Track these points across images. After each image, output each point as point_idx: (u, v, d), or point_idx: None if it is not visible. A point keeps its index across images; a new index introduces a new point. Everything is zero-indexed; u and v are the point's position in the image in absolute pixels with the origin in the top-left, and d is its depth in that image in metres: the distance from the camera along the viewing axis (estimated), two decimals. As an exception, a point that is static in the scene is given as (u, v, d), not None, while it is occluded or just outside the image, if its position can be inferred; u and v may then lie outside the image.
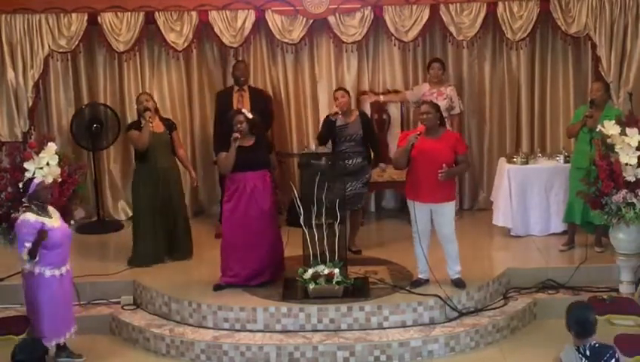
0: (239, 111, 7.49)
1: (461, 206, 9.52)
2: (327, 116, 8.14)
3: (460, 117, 9.14)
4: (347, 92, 8.19)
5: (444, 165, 7.05)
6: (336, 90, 8.24)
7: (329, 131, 8.08)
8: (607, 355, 5.01)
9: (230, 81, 9.16)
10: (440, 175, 7.03)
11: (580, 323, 5.05)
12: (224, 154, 7.41)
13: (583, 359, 5.01)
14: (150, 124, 7.90)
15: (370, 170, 8.34)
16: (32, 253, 6.38)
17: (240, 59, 9.20)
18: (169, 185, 8.09)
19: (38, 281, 6.52)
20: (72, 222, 6.93)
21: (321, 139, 8.25)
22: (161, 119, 8.20)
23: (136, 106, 8.28)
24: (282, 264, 7.70)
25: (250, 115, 7.42)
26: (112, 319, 7.54)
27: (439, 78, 8.90)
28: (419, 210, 7.22)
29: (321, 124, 8.39)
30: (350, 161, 7.92)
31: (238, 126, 7.32)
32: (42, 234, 6.34)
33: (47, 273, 6.52)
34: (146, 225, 8.08)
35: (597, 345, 5.04)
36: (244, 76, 8.85)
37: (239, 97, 8.78)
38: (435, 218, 7.26)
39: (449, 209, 7.29)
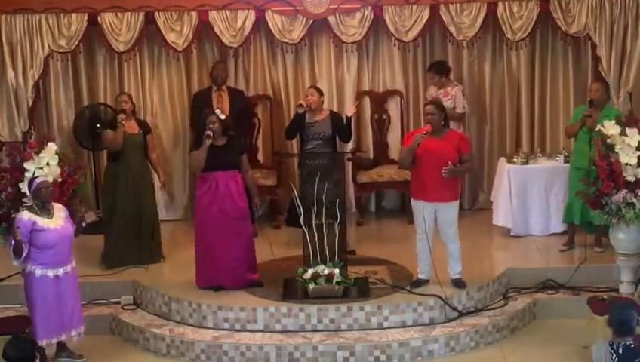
0: (212, 112, 7.51)
1: (461, 206, 9.38)
2: (296, 110, 8.19)
3: (462, 116, 9.12)
4: (319, 90, 8.21)
5: (449, 162, 7.08)
6: (308, 88, 8.30)
7: (296, 126, 8.12)
8: None
9: (231, 81, 9.18)
10: (444, 172, 7.05)
11: (623, 322, 5.06)
12: (195, 153, 7.42)
13: (614, 355, 5.00)
14: (123, 126, 7.96)
15: (340, 169, 8.25)
16: (15, 251, 6.40)
17: (219, 59, 9.21)
18: (139, 187, 8.09)
19: (30, 280, 6.56)
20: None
21: (287, 133, 8.30)
22: (137, 121, 8.25)
23: (115, 106, 8.35)
24: (255, 268, 7.61)
25: (223, 116, 7.44)
26: (112, 319, 7.54)
27: (437, 82, 8.91)
28: (424, 210, 7.22)
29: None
30: (316, 161, 7.78)
31: (211, 126, 7.34)
32: (13, 232, 6.36)
33: (38, 272, 6.53)
34: (115, 225, 8.10)
35: (632, 345, 5.03)
36: (222, 76, 8.91)
37: (218, 97, 8.84)
38: (439, 217, 7.28)
39: (453, 209, 7.30)
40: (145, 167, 8.20)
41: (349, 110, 8.33)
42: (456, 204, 7.36)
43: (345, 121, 8.17)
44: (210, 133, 7.31)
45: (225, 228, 7.35)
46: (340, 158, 7.90)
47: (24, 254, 6.44)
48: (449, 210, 7.27)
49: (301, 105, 8.08)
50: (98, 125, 9.06)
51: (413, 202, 7.35)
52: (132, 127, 8.11)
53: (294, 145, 9.50)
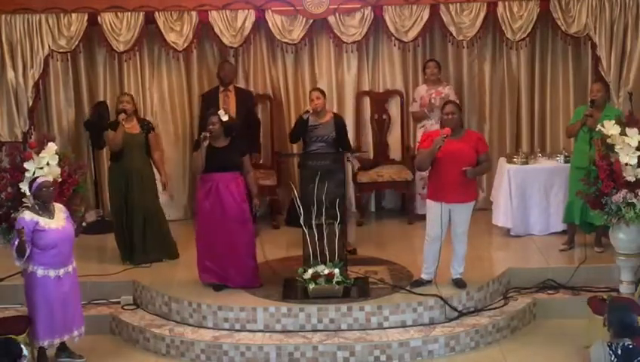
0: (215, 112, 7.49)
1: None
2: (300, 115, 8.17)
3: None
4: (323, 93, 8.20)
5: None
6: (312, 90, 8.28)
7: (300, 130, 8.11)
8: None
9: (231, 82, 9.20)
10: (467, 173, 7.05)
11: (627, 326, 5.05)
12: (195, 154, 7.44)
13: (613, 356, 4.99)
14: (123, 126, 8.00)
15: (344, 170, 8.23)
16: (19, 251, 6.40)
17: (226, 59, 9.21)
18: (141, 186, 8.12)
19: (32, 280, 6.55)
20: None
21: (292, 137, 8.29)
22: (139, 120, 8.28)
23: (115, 106, 8.33)
24: (257, 272, 7.55)
25: (225, 118, 7.41)
26: (112, 319, 7.55)
27: (435, 76, 8.92)
28: (440, 212, 7.19)
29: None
30: (319, 162, 7.80)
31: (210, 127, 7.34)
32: (18, 232, 6.36)
33: (40, 272, 6.52)
34: (119, 224, 8.18)
35: (631, 346, 5.02)
36: (229, 77, 8.88)
37: (225, 98, 8.82)
38: (454, 217, 7.26)
39: (469, 208, 7.30)
40: (147, 167, 8.23)
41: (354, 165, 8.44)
42: (473, 204, 7.36)
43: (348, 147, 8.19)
44: (206, 134, 7.31)
45: (225, 230, 7.35)
46: (342, 159, 7.87)
47: (27, 254, 6.45)
48: (465, 210, 7.27)
49: (308, 112, 8.05)
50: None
51: (430, 203, 7.30)
52: (133, 127, 8.14)
53: (294, 145, 9.53)
